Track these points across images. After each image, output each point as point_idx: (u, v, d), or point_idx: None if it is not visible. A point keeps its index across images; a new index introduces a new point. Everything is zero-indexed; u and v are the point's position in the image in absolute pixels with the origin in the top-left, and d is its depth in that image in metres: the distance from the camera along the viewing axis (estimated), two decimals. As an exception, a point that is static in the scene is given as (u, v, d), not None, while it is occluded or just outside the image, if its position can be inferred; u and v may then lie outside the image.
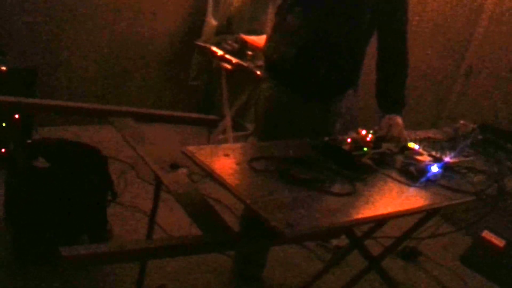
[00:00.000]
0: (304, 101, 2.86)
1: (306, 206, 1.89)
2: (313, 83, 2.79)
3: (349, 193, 2.06)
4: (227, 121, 4.83)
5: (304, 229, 1.80)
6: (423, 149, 2.52)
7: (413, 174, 2.31)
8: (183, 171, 2.38)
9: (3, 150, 3.84)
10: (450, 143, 2.75)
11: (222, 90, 4.90)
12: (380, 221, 2.91)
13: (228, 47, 4.71)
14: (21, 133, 3.93)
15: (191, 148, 2.14)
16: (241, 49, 4.66)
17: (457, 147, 2.66)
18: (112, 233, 3.32)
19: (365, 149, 2.34)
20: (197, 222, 2.06)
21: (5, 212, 3.16)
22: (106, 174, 3.19)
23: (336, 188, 2.08)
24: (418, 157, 2.40)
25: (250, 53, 4.54)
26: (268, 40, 2.93)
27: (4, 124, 3.85)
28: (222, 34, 5.10)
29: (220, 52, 4.70)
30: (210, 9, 5.19)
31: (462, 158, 2.58)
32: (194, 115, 3.58)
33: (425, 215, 2.78)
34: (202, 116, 3.73)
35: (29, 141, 3.86)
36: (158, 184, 2.54)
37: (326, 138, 2.40)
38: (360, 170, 2.25)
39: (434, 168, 2.32)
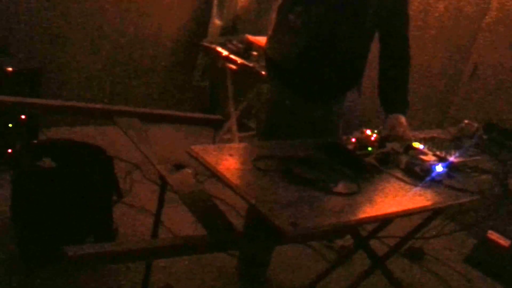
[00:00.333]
0: (306, 102, 2.85)
1: (310, 206, 1.90)
2: (315, 83, 2.79)
3: (354, 192, 2.07)
4: (232, 121, 4.83)
5: (308, 228, 1.81)
6: (428, 149, 2.52)
7: (418, 174, 2.31)
8: (188, 171, 2.38)
9: (9, 150, 3.86)
10: (455, 143, 2.76)
11: (227, 90, 4.91)
12: (384, 221, 2.91)
13: (233, 48, 4.72)
14: (27, 134, 3.94)
15: (196, 148, 2.15)
16: (246, 50, 4.66)
17: (462, 147, 2.66)
18: (117, 233, 3.33)
19: (369, 148, 2.34)
20: (202, 222, 2.07)
21: (11, 212, 3.17)
22: (111, 174, 3.20)
23: (341, 187, 2.08)
24: (423, 157, 2.40)
25: (255, 53, 4.54)
26: (269, 40, 2.91)
27: (10, 125, 3.87)
28: (227, 34, 5.11)
29: (225, 53, 4.71)
30: (215, 9, 5.19)
31: (467, 158, 2.58)
32: (199, 115, 3.59)
33: (430, 215, 2.78)
34: (207, 116, 3.73)
35: (35, 141, 3.87)
36: (163, 184, 2.54)
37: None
38: (364, 169, 2.25)
39: (439, 168, 2.32)
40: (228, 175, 2.02)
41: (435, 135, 2.84)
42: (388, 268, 2.90)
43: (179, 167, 2.40)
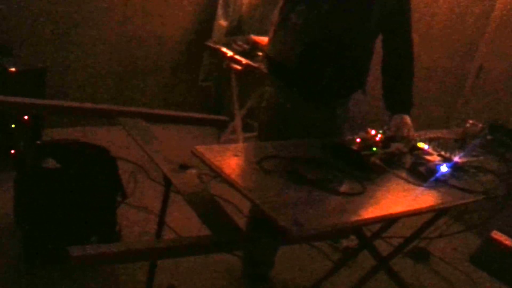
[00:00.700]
0: (308, 104, 2.81)
1: (315, 206, 1.90)
2: (318, 83, 2.75)
3: (358, 193, 2.06)
4: (237, 122, 4.84)
5: (313, 228, 1.80)
6: (433, 149, 2.51)
7: (423, 174, 2.30)
8: (192, 171, 2.38)
9: (12, 151, 3.86)
10: (459, 143, 2.75)
11: (232, 90, 4.91)
12: (389, 221, 2.90)
13: (238, 48, 4.72)
14: (30, 134, 3.95)
15: (200, 148, 2.15)
16: (251, 50, 4.67)
17: (467, 147, 2.66)
18: (121, 234, 3.33)
19: (374, 149, 2.34)
20: (206, 222, 2.07)
21: (15, 213, 3.18)
22: (115, 175, 3.20)
23: (345, 188, 2.08)
24: (428, 157, 2.39)
25: (260, 54, 4.54)
26: (271, 40, 2.88)
27: (13, 125, 3.87)
28: (232, 35, 5.11)
29: (230, 53, 4.71)
30: (220, 10, 5.20)
31: (472, 158, 2.58)
32: (204, 115, 3.58)
33: (434, 215, 2.77)
34: (212, 116, 3.74)
35: (38, 142, 3.87)
36: (167, 185, 2.54)
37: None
38: (369, 170, 2.25)
39: (444, 168, 2.32)
40: (232, 175, 2.01)
41: (440, 135, 2.84)
42: (392, 268, 2.89)
43: (183, 167, 2.40)
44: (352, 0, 2.64)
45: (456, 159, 2.46)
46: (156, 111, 3.18)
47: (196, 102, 5.57)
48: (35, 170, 3.05)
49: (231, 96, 5.01)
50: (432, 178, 2.28)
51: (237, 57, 4.66)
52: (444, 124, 4.32)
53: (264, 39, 4.50)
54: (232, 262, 3.32)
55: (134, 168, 4.26)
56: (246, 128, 4.95)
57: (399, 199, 2.15)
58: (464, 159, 2.51)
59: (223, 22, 5.18)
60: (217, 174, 2.06)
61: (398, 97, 2.80)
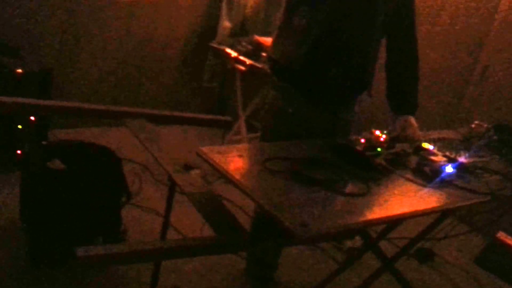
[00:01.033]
0: (311, 109, 2.77)
1: (319, 207, 1.89)
2: (322, 84, 2.72)
3: (363, 193, 2.06)
4: (241, 122, 4.83)
5: (318, 229, 1.80)
6: (438, 150, 2.51)
7: (428, 175, 2.30)
8: (196, 172, 2.39)
9: (18, 152, 3.87)
10: (465, 144, 2.74)
11: (236, 91, 4.91)
12: (394, 222, 2.89)
13: (242, 49, 4.72)
14: (36, 135, 3.96)
15: (204, 149, 2.15)
16: (255, 51, 4.66)
17: (472, 148, 2.65)
18: (126, 234, 3.34)
19: (379, 149, 2.34)
20: (211, 223, 2.07)
21: (21, 213, 3.18)
22: (120, 176, 3.20)
23: (350, 188, 2.08)
24: (433, 158, 2.39)
25: (264, 54, 4.54)
26: (274, 43, 2.86)
27: (19, 126, 3.88)
28: (236, 36, 5.11)
29: (234, 54, 4.71)
30: (224, 11, 5.20)
31: (477, 159, 2.57)
32: (208, 116, 3.58)
33: (439, 216, 2.76)
34: (216, 117, 3.73)
35: (44, 142, 3.88)
36: (172, 185, 2.55)
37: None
38: (374, 170, 2.25)
39: (449, 169, 2.31)
40: (237, 176, 2.01)
41: (445, 135, 2.83)
42: (397, 269, 2.89)
43: (188, 168, 2.41)
44: (356, 1, 2.62)
45: (462, 159, 2.46)
46: (161, 112, 3.18)
47: (200, 102, 5.57)
48: (41, 170, 3.05)
49: (235, 97, 5.01)
50: (437, 179, 2.28)
51: (241, 57, 4.66)
52: (449, 124, 4.31)
53: (268, 40, 4.51)
54: (236, 262, 3.33)
55: (139, 168, 4.26)
56: (250, 128, 4.95)
57: (404, 199, 2.14)
58: (470, 160, 2.50)
59: (227, 23, 5.18)
60: (222, 175, 2.07)
61: (403, 99, 2.78)
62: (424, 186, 2.24)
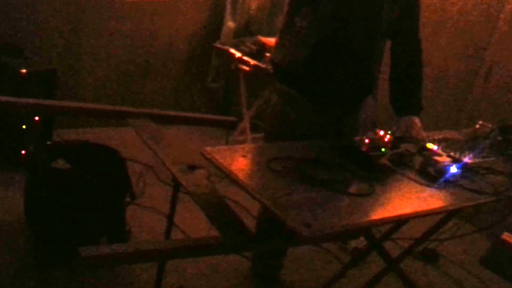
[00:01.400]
0: (314, 113, 2.74)
1: (324, 207, 1.89)
2: (327, 87, 2.69)
3: (367, 193, 2.06)
4: (245, 123, 4.84)
5: (322, 229, 1.80)
6: (442, 150, 2.50)
7: (432, 175, 2.29)
8: (201, 172, 2.38)
9: (23, 152, 3.88)
10: (469, 144, 2.73)
11: (240, 92, 4.91)
12: (398, 222, 2.89)
13: (246, 49, 4.72)
14: (41, 135, 3.97)
15: (209, 149, 2.15)
16: (259, 51, 4.66)
17: (476, 148, 2.64)
18: (130, 234, 3.34)
19: (383, 149, 2.33)
20: (215, 223, 2.07)
21: (26, 213, 3.19)
22: (125, 176, 3.21)
23: (354, 188, 2.07)
24: (437, 158, 2.38)
25: (268, 55, 4.54)
26: (275, 46, 2.83)
27: (24, 126, 3.89)
28: (240, 36, 5.11)
29: (238, 54, 4.71)
30: (228, 11, 5.20)
31: (481, 159, 2.56)
32: (213, 116, 3.59)
33: (444, 216, 2.76)
34: (221, 117, 3.74)
35: (49, 143, 3.89)
36: (176, 185, 2.55)
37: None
38: (378, 170, 2.24)
39: (453, 169, 2.31)
40: (241, 176, 2.01)
41: (449, 136, 2.83)
42: (402, 270, 2.88)
43: (192, 168, 2.40)
44: (359, 2, 2.59)
45: (466, 160, 2.45)
46: (165, 112, 3.18)
47: (204, 103, 5.58)
48: (46, 170, 3.06)
49: (239, 97, 5.01)
50: (442, 179, 2.27)
51: (245, 58, 4.66)
52: (453, 125, 4.30)
53: (272, 40, 4.51)
54: (241, 263, 3.33)
55: (143, 168, 4.27)
56: (254, 128, 4.95)
57: (408, 200, 2.14)
58: (474, 160, 2.50)
59: (231, 24, 5.19)
60: (226, 175, 2.07)
61: (407, 102, 2.75)
62: (429, 186, 2.23)
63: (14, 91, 3.57)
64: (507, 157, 2.76)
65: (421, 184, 2.25)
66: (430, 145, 2.51)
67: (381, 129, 2.42)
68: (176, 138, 3.39)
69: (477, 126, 2.95)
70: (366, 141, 2.33)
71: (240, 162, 2.16)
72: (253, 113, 4.96)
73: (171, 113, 3.24)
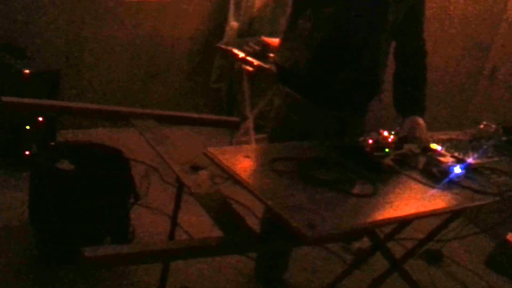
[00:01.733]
0: (319, 118, 2.73)
1: (327, 208, 1.89)
2: (330, 88, 2.66)
3: (371, 194, 2.06)
4: (249, 123, 4.83)
5: (326, 230, 1.80)
6: (446, 150, 2.49)
7: (436, 175, 2.29)
8: (204, 172, 2.38)
9: (27, 152, 3.88)
10: (473, 144, 2.73)
11: (244, 92, 4.91)
12: (402, 223, 2.89)
13: (250, 49, 4.71)
14: (44, 136, 3.97)
15: (212, 149, 2.15)
16: (262, 51, 4.65)
17: (480, 148, 2.64)
18: (134, 235, 3.34)
19: (386, 150, 2.32)
20: (219, 224, 2.07)
21: (29, 213, 3.19)
22: (128, 176, 3.21)
23: (358, 189, 2.07)
24: (441, 158, 2.37)
25: (271, 55, 4.53)
26: (279, 48, 2.82)
27: (28, 127, 3.89)
28: (244, 36, 5.10)
29: (241, 54, 4.70)
30: (231, 11, 5.20)
31: (485, 159, 2.56)
32: (216, 117, 3.59)
33: (448, 216, 2.76)
34: (224, 118, 3.74)
35: (52, 143, 3.90)
36: (180, 186, 2.55)
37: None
38: (381, 171, 2.24)
39: (457, 169, 2.30)
40: (244, 176, 2.01)
41: (453, 136, 2.82)
42: (406, 270, 2.88)
43: (196, 168, 2.40)
44: (365, 2, 2.58)
45: (470, 160, 2.45)
46: (168, 112, 3.18)
47: (208, 103, 5.57)
48: (49, 171, 3.06)
49: (242, 97, 5.00)
50: (446, 180, 2.27)
51: (248, 58, 4.65)
52: (457, 125, 4.29)
53: (275, 40, 4.51)
54: (245, 264, 3.32)
55: (147, 169, 4.27)
56: (258, 129, 4.95)
57: (412, 200, 2.14)
58: (478, 161, 2.49)
59: (234, 24, 5.18)
60: (229, 176, 2.07)
61: (411, 102, 2.74)
62: (432, 187, 2.23)
63: (17, 92, 3.56)
64: (511, 157, 2.75)
65: (424, 184, 2.25)
66: (434, 146, 2.50)
67: (384, 129, 2.41)
68: (180, 139, 3.40)
69: (481, 126, 2.94)
70: (370, 141, 2.33)
71: (243, 163, 2.16)
72: (256, 114, 4.96)
73: (175, 113, 3.24)
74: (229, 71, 5.38)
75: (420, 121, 2.65)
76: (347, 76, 2.65)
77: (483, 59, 4.46)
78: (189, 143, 4.27)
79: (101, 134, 4.57)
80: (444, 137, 2.74)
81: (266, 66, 4.50)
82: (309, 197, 1.94)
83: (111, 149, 3.31)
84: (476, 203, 2.23)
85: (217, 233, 2.08)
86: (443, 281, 3.70)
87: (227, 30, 5.21)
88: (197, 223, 3.48)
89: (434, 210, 2.11)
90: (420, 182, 2.25)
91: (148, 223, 3.60)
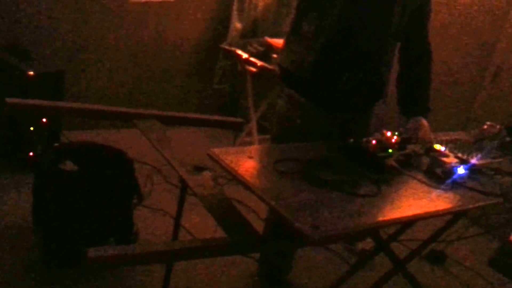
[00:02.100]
0: (323, 121, 2.72)
1: (331, 208, 1.89)
2: (334, 90, 2.66)
3: (374, 194, 2.06)
4: (252, 124, 4.83)
5: (329, 231, 1.80)
6: (449, 151, 2.49)
7: (439, 176, 2.29)
8: (208, 173, 2.39)
9: (31, 153, 3.89)
10: (477, 145, 2.72)
11: (247, 93, 4.91)
12: (405, 223, 2.88)
13: (253, 50, 4.72)
14: (48, 137, 3.98)
15: (216, 150, 2.15)
16: (266, 52, 4.66)
17: (484, 149, 2.63)
18: (138, 236, 3.34)
19: (390, 150, 2.33)
20: (222, 224, 2.07)
21: (33, 214, 3.20)
22: (132, 177, 3.21)
23: (361, 189, 2.07)
24: (444, 159, 2.37)
25: (275, 56, 4.53)
26: (283, 50, 2.81)
27: (32, 128, 3.90)
28: (247, 37, 5.11)
29: (245, 55, 4.71)
30: (235, 12, 5.20)
31: (489, 160, 2.55)
32: (219, 117, 3.59)
33: (451, 217, 2.75)
34: (228, 118, 3.73)
35: (56, 144, 3.90)
36: (183, 187, 2.55)
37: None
38: (385, 171, 2.24)
39: (461, 170, 2.30)
40: (247, 177, 2.02)
41: (457, 137, 2.82)
42: (409, 271, 2.88)
43: (199, 169, 2.41)
44: (370, 5, 2.57)
45: (474, 161, 2.45)
46: (172, 113, 3.18)
47: (211, 104, 5.57)
48: (53, 172, 3.07)
49: (246, 98, 5.01)
50: (449, 180, 2.27)
51: (252, 59, 4.66)
52: (461, 126, 4.29)
53: (278, 41, 4.51)
54: (248, 264, 3.32)
55: (151, 170, 4.27)
56: (261, 130, 4.95)
57: (415, 201, 2.14)
58: (482, 161, 2.49)
59: (238, 24, 5.19)
60: (233, 176, 2.07)
61: (415, 103, 2.74)
62: (436, 187, 2.23)
63: (21, 93, 3.58)
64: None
65: (428, 185, 2.25)
66: (437, 146, 2.50)
67: (388, 130, 2.41)
68: (183, 140, 3.41)
69: (485, 127, 2.94)
70: (373, 142, 2.33)
71: (247, 164, 2.16)
72: (260, 114, 4.96)
73: (178, 114, 3.24)
74: (232, 71, 5.38)
75: (424, 122, 2.65)
76: (351, 79, 2.64)
77: (487, 60, 4.45)
78: (193, 144, 4.29)
79: (105, 135, 4.57)
80: (448, 137, 2.74)
81: (270, 66, 4.51)
82: (312, 197, 1.94)
83: (115, 150, 3.31)
84: (480, 203, 2.22)
85: (220, 233, 2.09)
86: (447, 282, 3.70)
87: (231, 31, 5.21)
88: (201, 224, 3.48)
89: (438, 210, 2.11)
90: (424, 183, 2.25)
91: (151, 224, 3.60)
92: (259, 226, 2.89)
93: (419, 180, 2.27)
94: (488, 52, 4.45)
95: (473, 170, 2.39)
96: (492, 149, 2.71)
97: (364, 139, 2.37)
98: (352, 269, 3.29)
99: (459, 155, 2.48)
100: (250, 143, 4.70)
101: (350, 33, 2.59)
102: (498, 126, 2.92)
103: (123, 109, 3.12)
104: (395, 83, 2.83)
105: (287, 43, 2.78)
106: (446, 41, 4.59)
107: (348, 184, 2.07)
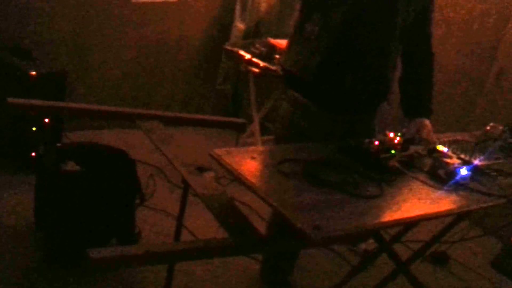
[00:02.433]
0: (327, 123, 2.71)
1: (333, 209, 1.89)
2: (338, 92, 2.65)
3: (377, 195, 2.05)
4: (255, 125, 4.83)
5: (332, 232, 1.79)
6: (452, 152, 2.49)
7: (442, 177, 2.28)
8: (210, 174, 2.39)
9: (33, 154, 3.89)
10: (480, 146, 2.72)
11: (250, 93, 4.91)
12: (408, 224, 2.88)
13: (256, 51, 4.71)
14: (50, 137, 3.98)
15: (218, 151, 2.15)
16: (268, 53, 4.65)
17: (487, 150, 2.63)
18: (140, 236, 3.35)
19: (392, 151, 2.32)
20: (224, 225, 2.07)
21: (35, 215, 3.20)
22: (134, 177, 3.21)
23: (364, 190, 2.07)
24: (447, 160, 2.36)
25: (277, 56, 4.53)
26: (286, 52, 2.80)
27: (34, 128, 3.90)
28: (250, 38, 5.11)
29: (247, 56, 4.70)
30: (238, 13, 5.20)
31: (492, 161, 2.55)
32: (222, 118, 3.60)
33: (454, 218, 2.75)
34: (230, 119, 3.74)
35: (58, 144, 3.90)
36: (186, 187, 2.55)
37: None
38: (387, 172, 2.24)
39: (463, 171, 2.30)
40: (250, 178, 2.01)
41: (459, 138, 2.81)
42: (412, 272, 2.87)
43: (201, 170, 2.40)
44: (374, 6, 2.56)
45: (476, 162, 2.44)
46: (174, 114, 3.19)
47: (214, 104, 5.58)
48: (55, 172, 3.07)
49: (249, 99, 5.00)
50: (452, 181, 2.26)
51: (254, 60, 4.65)
52: (464, 127, 4.28)
53: (281, 42, 4.51)
54: (251, 265, 3.32)
55: (153, 170, 4.27)
56: (264, 130, 4.95)
57: (418, 202, 2.13)
58: (484, 162, 2.48)
59: (240, 25, 5.19)
60: (235, 177, 2.07)
61: (417, 104, 2.73)
62: (438, 188, 2.23)
63: (23, 93, 3.57)
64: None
65: (431, 186, 2.24)
66: (440, 147, 2.49)
67: (391, 131, 2.41)
68: (185, 140, 3.41)
69: (488, 128, 2.93)
70: (376, 143, 2.33)
71: (249, 164, 2.15)
72: (262, 115, 4.96)
73: (181, 115, 3.24)
74: (235, 72, 5.39)
75: (427, 123, 2.65)
76: (355, 81, 2.63)
77: (490, 61, 4.44)
78: (195, 145, 4.28)
79: (107, 135, 4.58)
80: (451, 138, 2.74)
81: (272, 67, 4.50)
82: (314, 198, 1.94)
83: (117, 150, 3.31)
84: (482, 205, 2.22)
85: (222, 234, 2.09)
86: (449, 283, 3.69)
87: (233, 31, 5.22)
88: (203, 224, 3.48)
89: (440, 212, 2.11)
90: (426, 184, 2.25)
91: (153, 224, 3.60)
92: (261, 227, 2.89)
93: (421, 181, 2.27)
94: (491, 54, 4.44)
95: (475, 171, 2.38)
96: (495, 150, 2.70)
97: (367, 140, 2.37)
98: (355, 270, 3.28)
99: (462, 156, 2.47)
100: (253, 144, 4.69)
101: (354, 34, 2.58)
102: (501, 127, 2.92)
103: (125, 110, 3.12)
104: (398, 85, 2.82)
105: (290, 44, 2.77)
106: (449, 42, 4.58)
107: (350, 185, 2.07)
